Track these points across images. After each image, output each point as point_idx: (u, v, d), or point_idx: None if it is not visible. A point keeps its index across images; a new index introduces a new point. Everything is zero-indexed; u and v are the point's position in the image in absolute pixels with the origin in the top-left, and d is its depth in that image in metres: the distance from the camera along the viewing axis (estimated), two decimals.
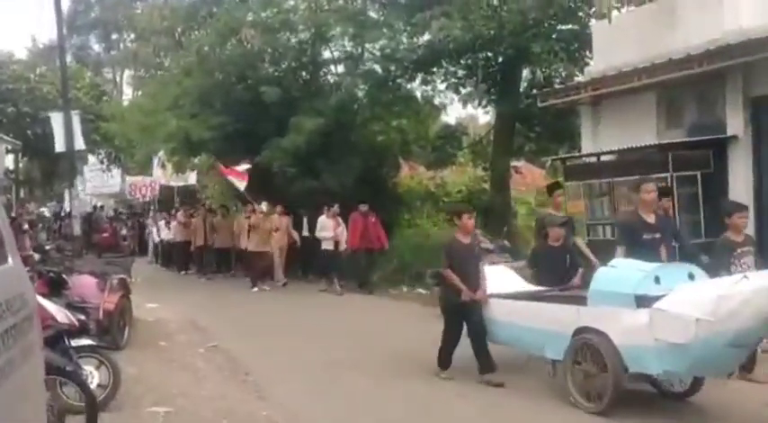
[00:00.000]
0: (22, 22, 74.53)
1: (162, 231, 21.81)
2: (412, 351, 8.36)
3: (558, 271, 7.82)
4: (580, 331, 6.28)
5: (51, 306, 6.04)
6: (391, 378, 7.54)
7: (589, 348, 6.17)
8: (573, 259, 8.12)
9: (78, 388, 5.34)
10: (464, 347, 7.29)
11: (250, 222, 16.06)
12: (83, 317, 6.54)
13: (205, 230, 18.56)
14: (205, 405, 6.57)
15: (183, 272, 19.77)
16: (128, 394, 6.59)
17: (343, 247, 15.12)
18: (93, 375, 6.08)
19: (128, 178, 29.90)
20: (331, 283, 14.81)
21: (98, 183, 31.55)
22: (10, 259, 2.97)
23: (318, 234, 15.16)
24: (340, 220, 15.14)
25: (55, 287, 7.09)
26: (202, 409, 6.43)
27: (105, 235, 24.95)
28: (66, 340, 5.89)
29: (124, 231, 25.58)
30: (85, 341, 6.20)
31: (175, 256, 20.72)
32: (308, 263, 16.73)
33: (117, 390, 6.28)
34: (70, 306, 6.53)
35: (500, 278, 7.82)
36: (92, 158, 30.41)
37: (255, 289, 15.36)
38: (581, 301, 6.48)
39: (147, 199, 27.46)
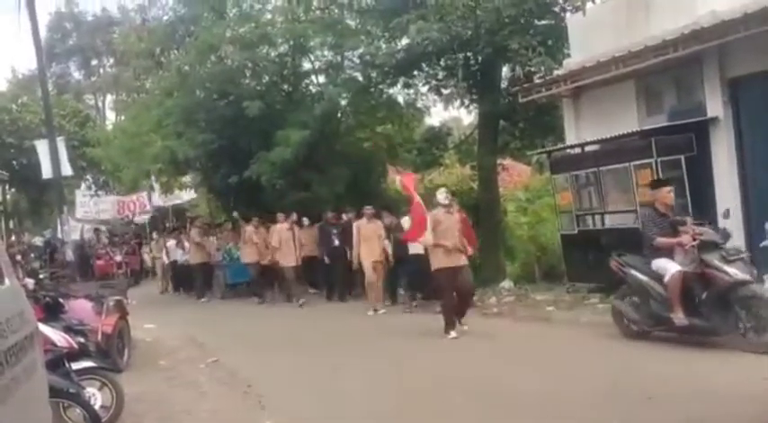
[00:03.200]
0: (1, 54, 74.32)
1: (173, 253, 19.70)
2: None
3: None
4: None
5: (49, 330, 6.05)
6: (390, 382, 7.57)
7: None
8: None
9: (82, 410, 5.35)
10: None
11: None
12: (82, 339, 6.55)
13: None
14: (209, 419, 6.58)
15: (203, 299, 17.64)
16: (131, 414, 6.60)
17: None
18: (96, 397, 6.07)
19: (113, 197, 29.02)
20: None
21: (89, 209, 31.00)
22: (6, 280, 3.01)
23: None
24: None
25: (52, 311, 7.06)
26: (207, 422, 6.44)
27: (100, 262, 23.47)
28: (66, 363, 5.90)
29: (119, 258, 23.61)
30: (86, 363, 6.19)
31: (193, 281, 18.50)
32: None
33: (121, 410, 6.30)
34: (69, 329, 6.51)
35: None
36: (83, 185, 30.19)
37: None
38: None
39: (137, 216, 27.08)
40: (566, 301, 11.22)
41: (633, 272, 8.28)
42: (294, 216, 15.42)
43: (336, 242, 14.69)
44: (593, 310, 10.30)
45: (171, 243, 19.99)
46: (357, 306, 13.56)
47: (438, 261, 9.80)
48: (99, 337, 8.21)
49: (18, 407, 2.59)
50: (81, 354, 6.25)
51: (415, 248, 11.90)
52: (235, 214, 16.73)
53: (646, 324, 8.15)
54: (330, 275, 15.23)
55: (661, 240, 7.88)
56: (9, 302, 2.92)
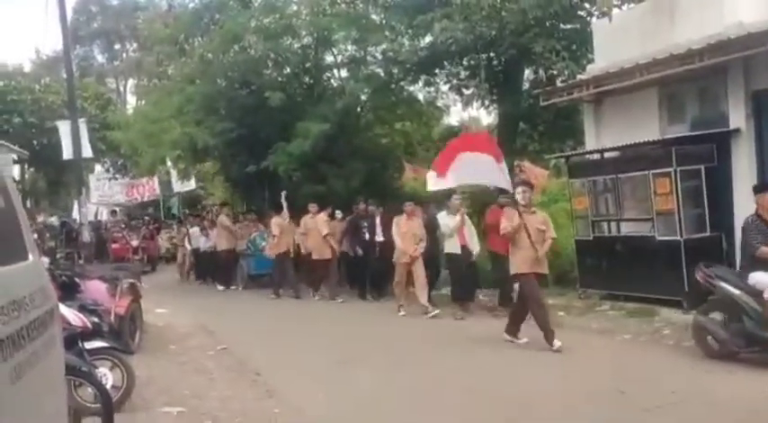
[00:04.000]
0: (26, 35, 75.06)
1: (196, 240, 18.79)
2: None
3: None
4: None
5: (64, 309, 6.09)
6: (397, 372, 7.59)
7: None
8: None
9: (94, 388, 5.39)
10: None
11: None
12: (96, 319, 6.61)
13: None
14: (217, 405, 6.63)
15: (232, 286, 17.03)
16: (140, 396, 6.67)
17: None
18: (108, 377, 6.12)
19: (126, 181, 28.83)
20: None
21: (104, 193, 31.07)
22: (30, 256, 3.06)
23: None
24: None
25: (67, 291, 7.13)
26: (214, 408, 6.49)
27: (115, 246, 22.14)
28: (80, 343, 5.96)
29: (135, 242, 22.37)
30: (99, 343, 6.24)
31: (217, 269, 17.69)
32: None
33: (131, 391, 6.36)
34: (83, 309, 6.57)
35: None
36: (98, 168, 30.35)
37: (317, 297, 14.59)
38: None
39: (146, 199, 26.86)
40: (577, 307, 11.17)
41: (724, 285, 7.34)
42: (330, 208, 14.82)
43: (367, 235, 14.00)
44: (605, 317, 10.27)
45: (194, 229, 19.18)
46: (388, 306, 12.54)
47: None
48: (112, 318, 8.27)
49: (37, 380, 2.64)
50: (94, 333, 6.30)
51: (450, 247, 11.58)
52: (283, 198, 15.09)
53: (735, 344, 7.22)
54: (363, 271, 14.28)
55: (765, 250, 7.11)
56: (32, 278, 2.97)
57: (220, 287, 17.07)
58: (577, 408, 6.09)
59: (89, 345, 6.06)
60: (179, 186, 25.38)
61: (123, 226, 24.77)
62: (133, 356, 7.33)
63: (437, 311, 11.37)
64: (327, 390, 7.06)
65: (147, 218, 27.45)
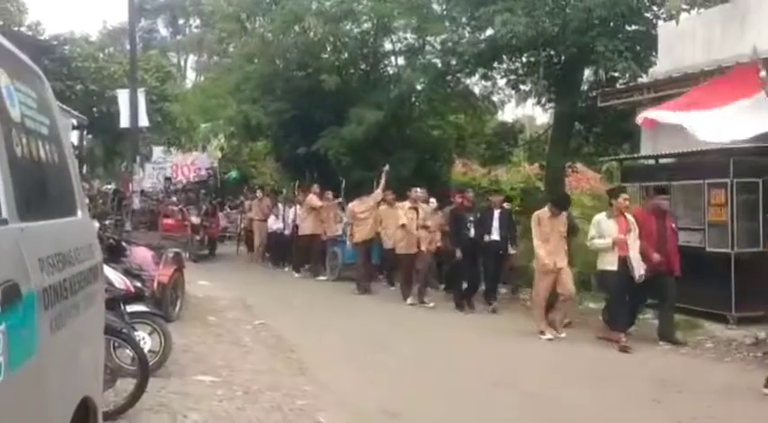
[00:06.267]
0: (96, 5, 76.75)
1: (272, 221, 17.07)
2: None
3: None
4: None
5: (109, 271, 6.24)
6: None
7: None
8: None
9: (132, 350, 5.50)
10: None
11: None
12: (139, 284, 6.75)
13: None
14: (249, 377, 6.71)
15: (320, 276, 14.95)
16: (176, 363, 6.80)
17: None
18: (146, 340, 6.25)
19: (171, 156, 24.95)
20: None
21: (164, 166, 24.76)
22: (79, 212, 3.13)
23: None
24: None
25: (114, 254, 7.30)
26: (246, 380, 6.57)
27: (169, 221, 18.06)
28: (122, 305, 6.10)
29: (195, 218, 18.11)
30: (140, 307, 6.39)
31: (299, 253, 15.79)
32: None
33: (167, 357, 6.49)
34: (128, 273, 6.72)
35: None
36: (157, 151, 27.94)
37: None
38: None
39: (192, 179, 22.53)
40: None
41: None
42: (418, 191, 12.60)
43: (472, 232, 11.45)
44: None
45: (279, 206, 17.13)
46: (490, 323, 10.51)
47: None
48: (155, 285, 8.44)
49: (76, 333, 2.70)
50: (136, 298, 6.44)
51: (607, 261, 8.99)
52: (384, 172, 13.89)
53: None
54: (462, 275, 11.77)
55: None
56: (79, 233, 3.04)
57: (297, 274, 15.44)
58: (609, 415, 6.00)
59: (130, 308, 6.20)
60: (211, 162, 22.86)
61: (181, 197, 20.49)
62: (172, 325, 7.46)
63: (562, 335, 9.21)
64: (361, 369, 7.08)
65: (203, 192, 23.23)
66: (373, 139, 16.22)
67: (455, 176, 20.35)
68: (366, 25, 18.10)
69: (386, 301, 12.50)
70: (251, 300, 11.67)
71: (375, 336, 9.24)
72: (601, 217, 9.12)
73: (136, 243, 9.53)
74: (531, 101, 18.18)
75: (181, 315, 9.36)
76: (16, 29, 23.58)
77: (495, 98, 18.97)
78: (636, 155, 12.85)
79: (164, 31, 49.75)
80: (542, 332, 9.16)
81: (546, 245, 9.28)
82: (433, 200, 12.91)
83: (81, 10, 64.52)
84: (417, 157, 17.13)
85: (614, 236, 8.71)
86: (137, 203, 17.50)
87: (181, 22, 49.23)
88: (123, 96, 16.90)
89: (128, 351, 5.63)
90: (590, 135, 17.38)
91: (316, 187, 15.64)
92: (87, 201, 18.12)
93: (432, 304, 11.76)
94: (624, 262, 8.68)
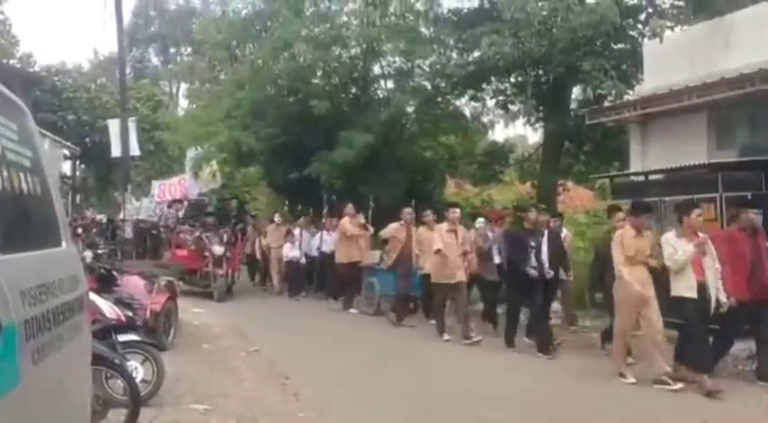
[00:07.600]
0: (87, 36, 77.18)
1: (287, 249, 15.80)
2: None
3: None
4: None
5: (100, 301, 6.25)
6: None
7: None
8: None
9: (123, 380, 5.48)
10: None
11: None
12: (130, 313, 6.73)
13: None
14: (244, 404, 6.67)
15: (351, 309, 13.64)
16: (169, 392, 6.74)
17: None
18: (138, 370, 6.20)
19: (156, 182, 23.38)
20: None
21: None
22: (64, 243, 3.13)
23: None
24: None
25: (105, 283, 7.30)
26: (241, 408, 6.53)
27: (182, 253, 15.53)
28: (113, 335, 6.08)
29: (218, 248, 14.98)
30: (132, 336, 6.36)
31: (337, 284, 14.53)
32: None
33: (160, 386, 6.44)
34: (119, 302, 6.71)
35: None
36: (155, 185, 26.53)
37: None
38: None
39: (178, 198, 20.98)
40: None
41: None
42: (456, 212, 11.21)
43: (534, 259, 9.65)
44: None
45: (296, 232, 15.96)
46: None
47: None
48: (147, 314, 8.42)
49: (60, 364, 2.70)
50: (128, 327, 6.42)
51: (682, 287, 7.70)
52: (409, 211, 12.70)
53: None
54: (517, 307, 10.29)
55: None
56: (64, 264, 3.04)
57: (343, 307, 13.79)
58: None
59: (122, 337, 6.17)
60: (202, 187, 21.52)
61: (194, 224, 17.15)
62: (166, 354, 7.42)
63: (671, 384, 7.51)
64: (355, 395, 7.03)
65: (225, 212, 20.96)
66: (364, 162, 16.27)
67: (448, 196, 20.39)
68: (355, 50, 18.22)
69: (422, 338, 10.87)
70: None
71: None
72: (670, 236, 7.83)
73: (128, 271, 9.51)
74: (521, 120, 18.30)
75: (175, 343, 9.32)
76: (6, 61, 23.67)
77: (485, 119, 19.10)
78: (626, 172, 12.91)
79: (155, 60, 49.97)
80: (622, 375, 7.94)
81: (633, 269, 7.90)
82: (481, 219, 12.04)
83: (73, 40, 64.93)
84: (409, 178, 17.20)
85: (690, 251, 7.48)
86: (129, 232, 17.44)
87: (172, 50, 49.48)
88: (114, 126, 16.97)
89: (119, 381, 5.61)
90: (580, 153, 17.47)
91: (350, 207, 14.22)
92: (81, 230, 18.30)
93: (478, 337, 10.21)
94: (704, 288, 7.49)
